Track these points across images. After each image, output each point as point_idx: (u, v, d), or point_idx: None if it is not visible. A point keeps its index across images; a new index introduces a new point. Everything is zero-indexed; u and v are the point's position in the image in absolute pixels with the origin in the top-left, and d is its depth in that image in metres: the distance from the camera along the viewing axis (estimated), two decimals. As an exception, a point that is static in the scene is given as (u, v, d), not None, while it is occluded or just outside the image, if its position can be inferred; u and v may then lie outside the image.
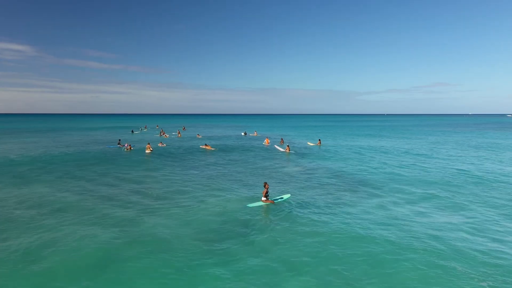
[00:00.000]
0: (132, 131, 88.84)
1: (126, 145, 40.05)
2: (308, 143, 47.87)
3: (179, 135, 65.15)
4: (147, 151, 36.56)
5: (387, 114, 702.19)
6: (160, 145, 43.93)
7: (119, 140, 46.77)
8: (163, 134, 70.26)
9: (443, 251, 11.09)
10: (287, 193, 18.24)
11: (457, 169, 26.41)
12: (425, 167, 27.48)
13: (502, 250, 11.24)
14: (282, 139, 50.17)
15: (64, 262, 10.39)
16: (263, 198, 16.70)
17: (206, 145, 42.30)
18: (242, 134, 66.98)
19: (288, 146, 39.05)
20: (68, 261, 10.47)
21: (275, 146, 41.93)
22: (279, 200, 17.17)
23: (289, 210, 15.55)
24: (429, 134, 70.82)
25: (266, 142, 48.48)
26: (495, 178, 22.63)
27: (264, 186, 16.98)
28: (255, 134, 67.11)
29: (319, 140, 48.80)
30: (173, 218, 14.55)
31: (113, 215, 14.89)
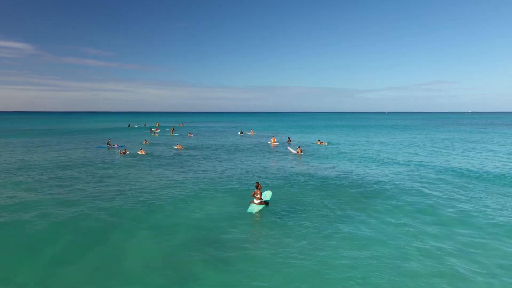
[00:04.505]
0: (129, 125, 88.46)
1: (118, 150, 36.21)
2: (320, 142, 45.67)
3: (172, 133, 63.73)
4: (140, 152, 34.77)
5: (387, 112, 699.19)
6: (144, 142, 45.18)
7: (109, 140, 44.86)
8: (156, 130, 69.09)
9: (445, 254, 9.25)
10: (268, 190, 17.04)
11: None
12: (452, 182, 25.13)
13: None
14: (289, 138, 48.03)
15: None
16: (256, 201, 15.10)
17: (178, 145, 40.92)
18: (239, 133, 64.56)
19: (299, 147, 35.44)
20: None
21: (288, 148, 37.82)
22: (267, 199, 15.83)
23: (288, 214, 13.70)
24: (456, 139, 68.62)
25: (272, 141, 44.97)
26: None
27: (257, 186, 15.32)
28: (252, 133, 64.94)
29: (319, 140, 47.38)
30: (162, 226, 13.06)
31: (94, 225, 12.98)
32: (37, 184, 20.44)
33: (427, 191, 18.88)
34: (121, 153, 34.04)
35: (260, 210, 14.90)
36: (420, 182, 21.20)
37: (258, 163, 28.54)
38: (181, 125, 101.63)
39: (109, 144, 42.07)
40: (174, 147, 40.82)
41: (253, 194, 15.33)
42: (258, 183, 15.70)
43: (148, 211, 15.06)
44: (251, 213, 14.61)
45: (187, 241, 11.83)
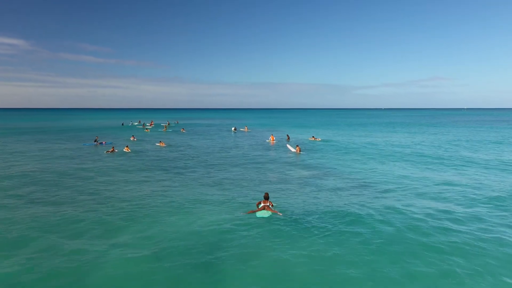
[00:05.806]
0: (122, 124, 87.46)
1: (106, 149, 34.57)
2: (314, 138, 44.91)
3: (165, 129, 63.08)
4: (125, 149, 33.67)
5: (384, 109, 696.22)
6: (132, 139, 44.49)
7: (96, 137, 43.58)
8: (150, 125, 68.37)
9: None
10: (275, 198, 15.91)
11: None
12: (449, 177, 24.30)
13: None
14: (288, 135, 46.83)
15: None
16: (262, 205, 14.04)
17: (160, 142, 39.69)
18: (232, 129, 63.62)
19: (298, 146, 34.19)
20: None
21: (287, 145, 36.18)
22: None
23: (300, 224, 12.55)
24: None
25: (271, 139, 43.62)
26: None
27: (266, 197, 14.22)
28: (246, 130, 63.81)
29: (313, 136, 46.56)
30: (145, 239, 11.38)
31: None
32: (3, 186, 19.17)
33: (439, 190, 17.70)
34: (108, 152, 32.52)
35: (269, 216, 13.57)
36: (429, 181, 19.98)
37: (254, 164, 26.99)
38: (176, 122, 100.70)
39: (96, 142, 40.80)
40: (157, 144, 39.40)
41: (257, 204, 14.21)
42: (267, 193, 14.44)
43: (129, 221, 13.23)
44: (254, 220, 13.18)
45: (174, 255, 10.20)
